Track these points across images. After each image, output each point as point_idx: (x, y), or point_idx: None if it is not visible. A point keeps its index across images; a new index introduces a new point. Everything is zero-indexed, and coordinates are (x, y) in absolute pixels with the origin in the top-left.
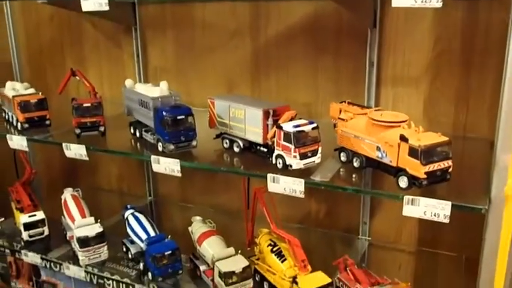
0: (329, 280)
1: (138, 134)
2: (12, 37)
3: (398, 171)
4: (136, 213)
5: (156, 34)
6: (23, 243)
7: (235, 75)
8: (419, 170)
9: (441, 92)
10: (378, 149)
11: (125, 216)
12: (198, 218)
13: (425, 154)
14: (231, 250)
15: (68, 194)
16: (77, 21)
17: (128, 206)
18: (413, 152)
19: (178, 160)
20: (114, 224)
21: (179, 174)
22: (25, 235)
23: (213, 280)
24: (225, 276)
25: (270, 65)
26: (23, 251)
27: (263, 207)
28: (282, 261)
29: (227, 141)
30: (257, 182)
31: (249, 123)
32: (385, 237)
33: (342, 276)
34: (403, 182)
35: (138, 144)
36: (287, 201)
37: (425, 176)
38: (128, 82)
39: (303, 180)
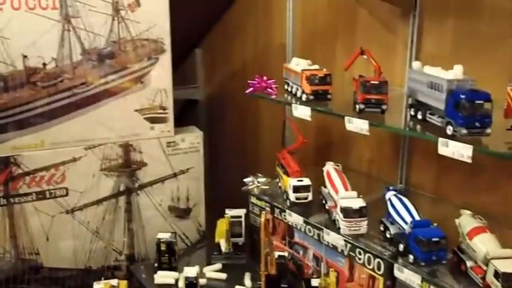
0: None
1: (420, 116)
2: (290, 21)
3: None
4: (400, 196)
5: (434, 20)
6: (289, 204)
7: None
8: None
9: None
10: None
11: (387, 197)
12: (467, 211)
13: None
14: (509, 251)
15: (330, 167)
16: (354, 6)
17: (390, 188)
18: None
19: (471, 146)
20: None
21: (469, 160)
22: (292, 196)
23: (483, 278)
24: (503, 277)
25: None
26: (287, 211)
27: None
28: None
29: None
30: None
31: None
32: None
33: None
34: None
35: (417, 125)
36: None
37: None
38: (416, 64)
39: None
